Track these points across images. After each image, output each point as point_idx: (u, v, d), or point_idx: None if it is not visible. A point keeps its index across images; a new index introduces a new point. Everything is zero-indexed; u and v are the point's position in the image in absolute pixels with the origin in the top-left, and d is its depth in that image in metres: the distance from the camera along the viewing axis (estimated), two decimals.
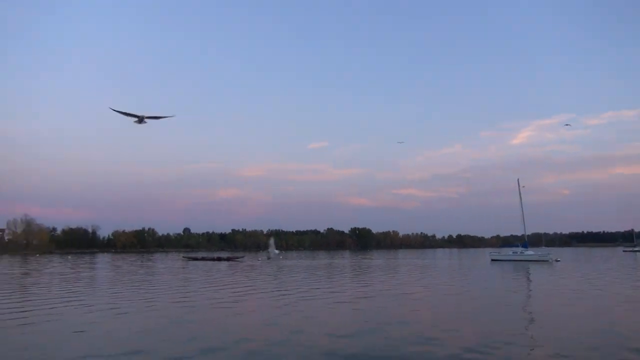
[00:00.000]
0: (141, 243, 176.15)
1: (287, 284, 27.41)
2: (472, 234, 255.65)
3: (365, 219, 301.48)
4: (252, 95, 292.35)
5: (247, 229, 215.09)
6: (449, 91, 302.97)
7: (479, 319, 14.62)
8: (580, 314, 15.95)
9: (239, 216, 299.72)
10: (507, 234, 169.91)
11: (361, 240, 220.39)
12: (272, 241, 27.43)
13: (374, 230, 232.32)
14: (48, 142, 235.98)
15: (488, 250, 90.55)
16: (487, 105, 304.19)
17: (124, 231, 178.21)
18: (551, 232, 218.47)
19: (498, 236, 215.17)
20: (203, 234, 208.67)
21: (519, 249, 62.37)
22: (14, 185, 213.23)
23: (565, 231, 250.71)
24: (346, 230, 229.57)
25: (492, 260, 61.21)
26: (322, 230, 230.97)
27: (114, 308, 17.08)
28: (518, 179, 65.68)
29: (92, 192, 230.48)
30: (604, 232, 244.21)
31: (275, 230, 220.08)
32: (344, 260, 70.17)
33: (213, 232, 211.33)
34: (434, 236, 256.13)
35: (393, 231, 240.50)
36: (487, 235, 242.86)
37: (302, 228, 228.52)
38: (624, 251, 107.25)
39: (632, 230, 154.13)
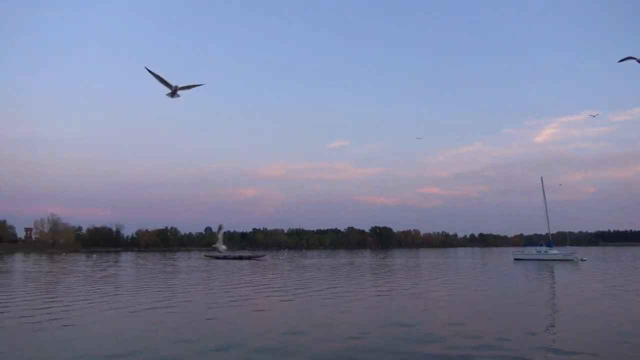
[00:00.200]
0: (164, 242, 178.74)
1: (307, 283, 27.46)
2: (494, 233, 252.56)
3: (385, 218, 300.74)
4: (273, 94, 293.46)
5: (268, 228, 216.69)
6: (470, 89, 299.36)
7: (498, 319, 14.41)
8: (605, 314, 15.57)
9: (260, 215, 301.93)
10: (531, 232, 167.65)
11: (382, 239, 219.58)
12: (220, 234, 22.63)
13: (395, 229, 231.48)
14: (71, 144, 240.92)
15: (511, 249, 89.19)
16: (509, 103, 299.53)
17: (147, 230, 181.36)
18: (576, 230, 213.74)
19: (521, 235, 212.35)
20: (224, 232, 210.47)
21: (543, 248, 61.24)
22: (40, 186, 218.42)
23: (591, 230, 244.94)
24: (367, 229, 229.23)
25: (515, 259, 60.29)
26: (342, 229, 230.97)
27: (135, 305, 17.37)
28: (541, 177, 64.62)
29: (115, 192, 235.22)
30: (631, 230, 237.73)
31: (296, 229, 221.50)
32: (365, 259, 70.01)
33: (234, 231, 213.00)
34: (455, 235, 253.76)
35: (414, 230, 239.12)
36: (510, 234, 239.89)
37: (322, 227, 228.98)
38: None
39: None
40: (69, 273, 38.52)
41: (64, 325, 13.26)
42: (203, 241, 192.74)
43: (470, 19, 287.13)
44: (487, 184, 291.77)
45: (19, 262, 61.73)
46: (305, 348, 10.39)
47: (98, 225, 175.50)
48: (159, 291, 23.23)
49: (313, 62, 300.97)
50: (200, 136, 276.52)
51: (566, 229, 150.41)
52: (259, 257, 69.66)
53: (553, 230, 65.32)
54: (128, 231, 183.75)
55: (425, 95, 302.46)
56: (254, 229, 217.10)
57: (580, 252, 63.97)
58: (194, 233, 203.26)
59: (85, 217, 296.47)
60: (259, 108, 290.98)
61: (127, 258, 79.31)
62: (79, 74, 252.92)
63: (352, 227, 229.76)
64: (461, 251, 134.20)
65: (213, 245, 25.05)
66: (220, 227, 20.76)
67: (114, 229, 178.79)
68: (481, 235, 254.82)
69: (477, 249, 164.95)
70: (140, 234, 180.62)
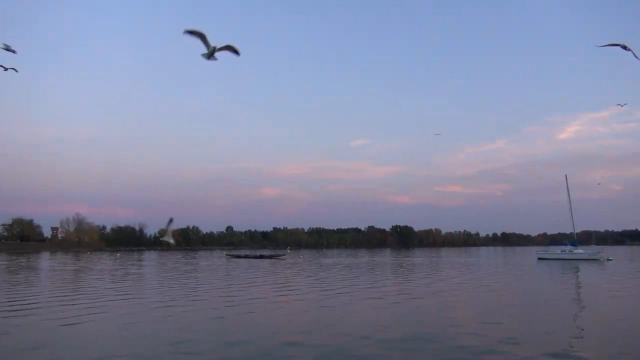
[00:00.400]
0: (186, 241, 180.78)
1: (326, 282, 27.45)
2: (517, 232, 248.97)
3: (406, 217, 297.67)
4: (294, 93, 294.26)
5: (289, 227, 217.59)
6: (491, 85, 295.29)
7: (520, 318, 14.14)
8: (632, 316, 15.20)
9: (281, 214, 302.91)
10: (555, 231, 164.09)
11: (403, 238, 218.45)
12: (170, 227, 21.16)
13: (416, 228, 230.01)
14: (95, 145, 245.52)
15: (534, 248, 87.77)
16: (531, 99, 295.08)
17: None
18: (602, 229, 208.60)
19: (545, 234, 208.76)
20: (245, 232, 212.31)
21: (568, 247, 59.95)
22: (65, 186, 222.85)
23: (618, 229, 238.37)
24: (387, 228, 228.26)
25: (539, 259, 59.29)
26: (363, 228, 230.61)
27: (157, 302, 17.60)
28: (566, 175, 63.25)
29: (139, 192, 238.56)
30: None
31: (317, 228, 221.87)
32: (385, 258, 69.71)
33: (255, 230, 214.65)
34: (477, 234, 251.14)
35: (435, 229, 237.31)
36: (533, 234, 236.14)
37: (343, 226, 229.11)
38: None
39: None
40: (94, 271, 39.25)
41: (88, 321, 13.49)
42: (224, 240, 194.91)
43: (492, 12, 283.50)
44: (510, 183, 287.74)
45: (46, 261, 63.17)
46: (321, 345, 10.37)
47: (122, 224, 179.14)
48: (180, 289, 23.51)
49: (334, 61, 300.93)
50: (222, 136, 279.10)
51: (591, 228, 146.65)
52: (279, 256, 69.94)
53: (578, 229, 63.95)
54: (151, 230, 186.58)
55: (446, 93, 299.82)
56: (274, 228, 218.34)
57: (606, 251, 62.45)
58: (215, 232, 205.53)
59: (110, 217, 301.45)
60: (280, 107, 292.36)
61: (150, 257, 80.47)
62: (102, 74, 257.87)
63: (372, 226, 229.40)
64: (483, 250, 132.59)
65: (161, 239, 25.11)
66: (170, 220, 20.70)
67: (137, 228, 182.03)
68: (504, 234, 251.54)
69: (499, 249, 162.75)
70: (163, 233, 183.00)
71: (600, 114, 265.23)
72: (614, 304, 18.07)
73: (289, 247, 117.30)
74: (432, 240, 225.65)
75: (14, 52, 15.09)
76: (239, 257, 70.14)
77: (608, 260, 53.22)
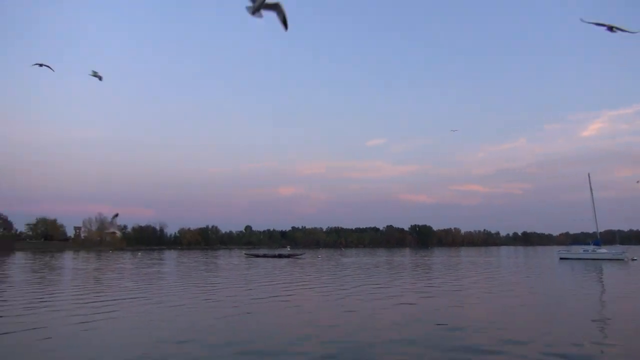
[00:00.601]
0: (205, 240, 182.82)
1: (344, 281, 27.43)
2: (538, 231, 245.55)
3: (425, 216, 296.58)
4: (311, 93, 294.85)
5: (307, 227, 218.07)
6: (510, 83, 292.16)
7: (541, 320, 13.95)
8: None
9: (299, 214, 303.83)
10: (577, 231, 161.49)
11: (421, 238, 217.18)
12: (115, 221, 21.77)
13: (435, 228, 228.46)
14: (117, 146, 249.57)
15: (556, 248, 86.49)
16: (553, 97, 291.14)
17: (189, 229, 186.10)
18: (626, 229, 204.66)
19: (567, 233, 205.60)
20: (264, 231, 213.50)
21: (591, 247, 58.81)
22: (88, 186, 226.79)
23: None
24: (406, 228, 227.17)
25: (561, 258, 58.32)
26: (381, 228, 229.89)
27: (175, 300, 17.81)
28: (589, 173, 62.05)
29: (159, 193, 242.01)
30: None
31: (335, 227, 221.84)
32: (404, 258, 69.34)
33: (274, 230, 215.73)
34: (497, 233, 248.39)
35: (454, 228, 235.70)
36: (555, 233, 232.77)
37: (361, 225, 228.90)
38: None
39: None
40: (116, 270, 39.89)
41: (110, 318, 13.75)
42: (243, 240, 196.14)
43: (511, 11, 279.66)
44: (531, 181, 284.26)
45: (69, 260, 64.41)
46: (337, 344, 10.38)
47: (143, 224, 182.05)
48: (200, 287, 23.76)
49: (351, 61, 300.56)
50: (240, 136, 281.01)
51: (615, 227, 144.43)
52: (297, 255, 70.13)
53: (601, 229, 62.79)
54: (171, 230, 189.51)
55: (464, 91, 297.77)
56: (293, 228, 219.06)
57: (630, 251, 61.20)
58: (234, 232, 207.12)
59: (131, 217, 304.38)
60: (297, 107, 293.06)
61: (170, 256, 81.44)
62: (124, 77, 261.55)
63: (391, 225, 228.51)
64: (504, 250, 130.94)
65: (105, 231, 26.03)
66: (115, 215, 21.48)
67: (157, 228, 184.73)
68: (524, 233, 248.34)
69: (520, 248, 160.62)
70: (183, 232, 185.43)
71: (624, 111, 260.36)
72: (637, 305, 17.69)
73: (319, 254, 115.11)
74: (451, 239, 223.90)
75: (100, 78, 16.02)
76: (257, 256, 70.50)
77: (632, 260, 52.10)
